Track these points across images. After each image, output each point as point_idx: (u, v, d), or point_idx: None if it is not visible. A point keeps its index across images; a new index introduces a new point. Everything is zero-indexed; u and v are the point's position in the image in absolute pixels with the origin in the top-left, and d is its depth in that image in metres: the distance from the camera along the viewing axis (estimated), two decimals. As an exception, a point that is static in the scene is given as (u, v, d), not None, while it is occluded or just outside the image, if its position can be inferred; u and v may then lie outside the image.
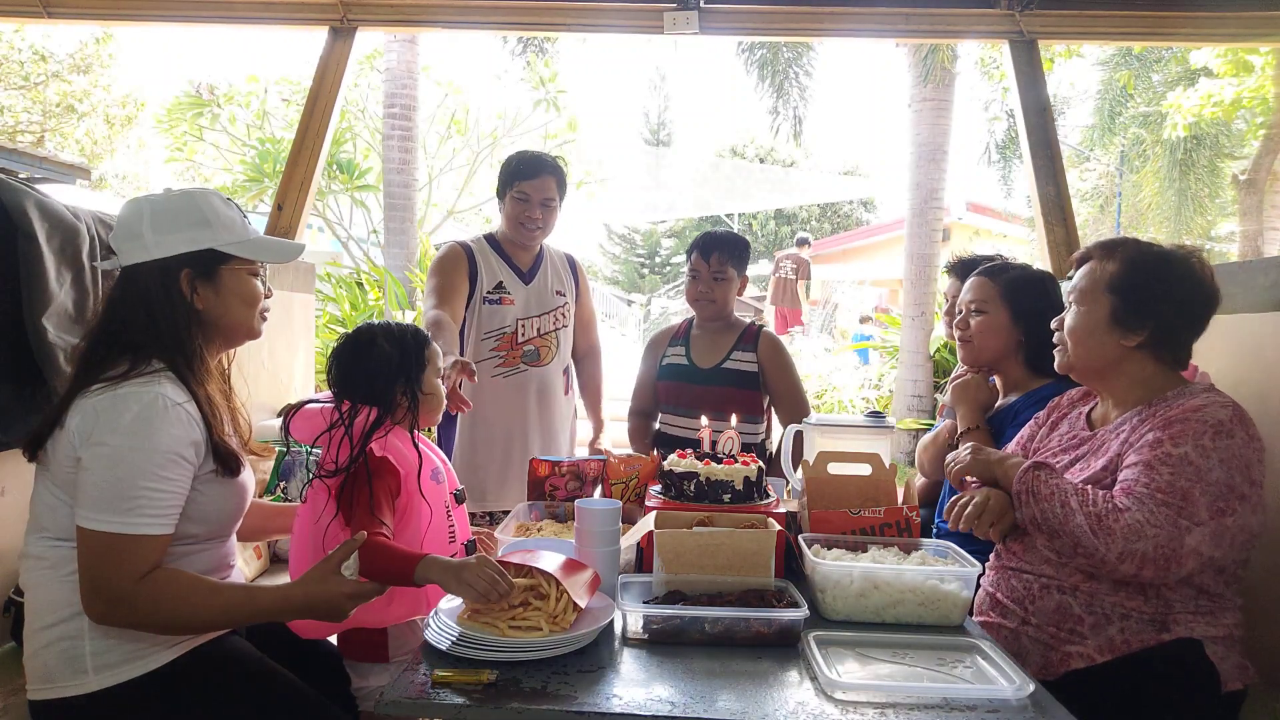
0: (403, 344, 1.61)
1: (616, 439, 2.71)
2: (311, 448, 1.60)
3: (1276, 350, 1.89)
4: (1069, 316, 1.61)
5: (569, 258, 2.74)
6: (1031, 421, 1.81)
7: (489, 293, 2.52)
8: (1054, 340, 1.66)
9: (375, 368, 1.57)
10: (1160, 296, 1.51)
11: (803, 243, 11.86)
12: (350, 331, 1.64)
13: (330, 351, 1.64)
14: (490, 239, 2.62)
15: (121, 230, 1.44)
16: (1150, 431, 1.44)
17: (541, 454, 2.45)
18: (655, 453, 2.05)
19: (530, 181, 2.48)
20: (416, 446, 1.58)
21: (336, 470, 1.49)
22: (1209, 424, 1.40)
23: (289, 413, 1.58)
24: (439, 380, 1.69)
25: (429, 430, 1.89)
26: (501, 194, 2.54)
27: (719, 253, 2.49)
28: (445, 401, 1.72)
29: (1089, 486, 1.45)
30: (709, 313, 2.56)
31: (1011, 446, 1.81)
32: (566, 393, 2.69)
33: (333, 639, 1.68)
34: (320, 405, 1.58)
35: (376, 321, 1.65)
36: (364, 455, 1.49)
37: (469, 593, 1.28)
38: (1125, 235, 1.69)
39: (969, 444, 1.67)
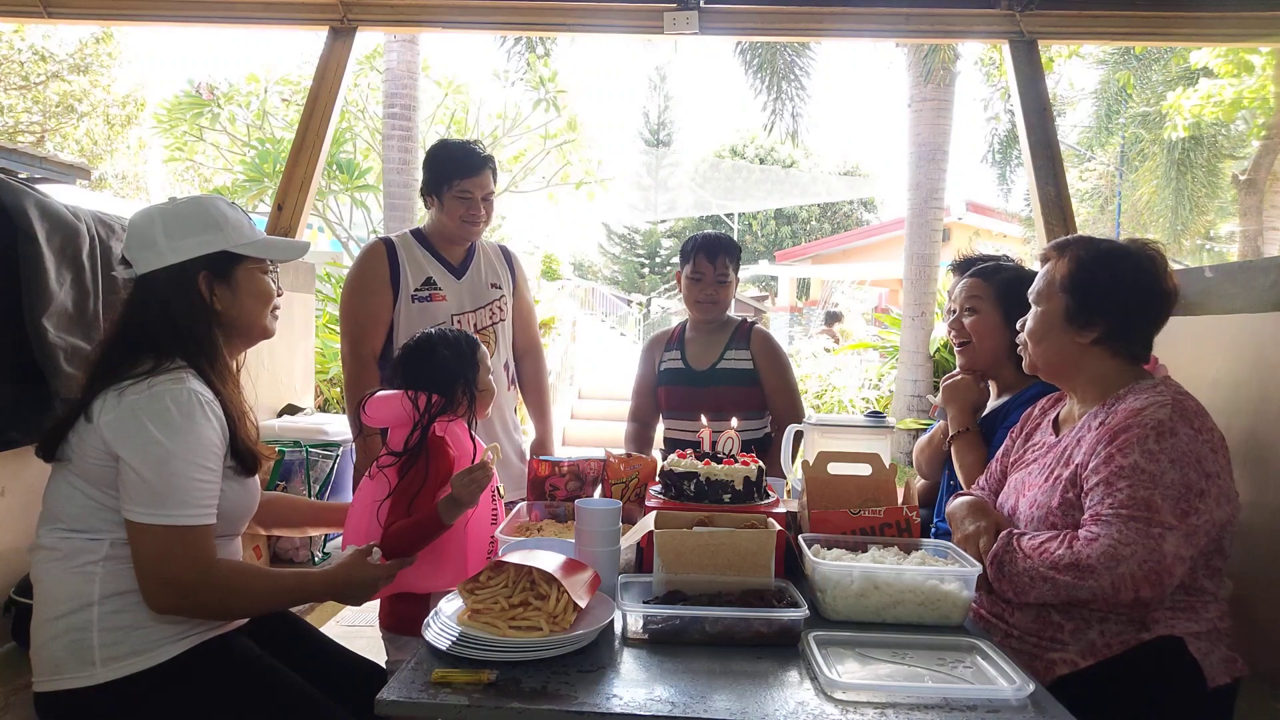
0: (459, 349, 1.76)
1: (606, 440, 2.70)
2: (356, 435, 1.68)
3: (1276, 350, 1.89)
4: (1029, 317, 1.63)
5: (504, 249, 2.66)
6: (1008, 436, 1.81)
7: (417, 290, 2.41)
8: (1017, 341, 1.67)
9: (437, 372, 1.71)
10: (1109, 292, 1.52)
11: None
12: (411, 343, 1.79)
13: (395, 360, 1.81)
14: (418, 234, 2.51)
15: (135, 239, 1.48)
16: (1100, 445, 1.44)
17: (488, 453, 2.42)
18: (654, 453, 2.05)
19: (473, 178, 2.39)
20: (473, 438, 1.75)
21: (405, 451, 1.63)
22: (1150, 427, 1.40)
23: (363, 400, 1.70)
24: (490, 377, 1.84)
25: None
26: (437, 190, 2.41)
27: (724, 254, 2.51)
28: (495, 394, 1.87)
29: (1044, 541, 1.44)
30: (712, 314, 2.57)
31: (993, 466, 1.82)
32: (510, 388, 2.60)
33: (367, 634, 1.74)
34: (391, 393, 1.71)
35: (434, 330, 1.81)
36: (427, 433, 1.64)
37: (471, 497, 1.54)
38: (1080, 234, 1.69)
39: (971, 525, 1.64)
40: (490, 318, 2.50)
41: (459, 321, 2.43)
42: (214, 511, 1.39)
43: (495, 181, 2.48)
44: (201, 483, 1.37)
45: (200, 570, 1.35)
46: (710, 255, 2.50)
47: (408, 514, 1.58)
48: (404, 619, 1.70)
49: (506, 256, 2.64)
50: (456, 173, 2.38)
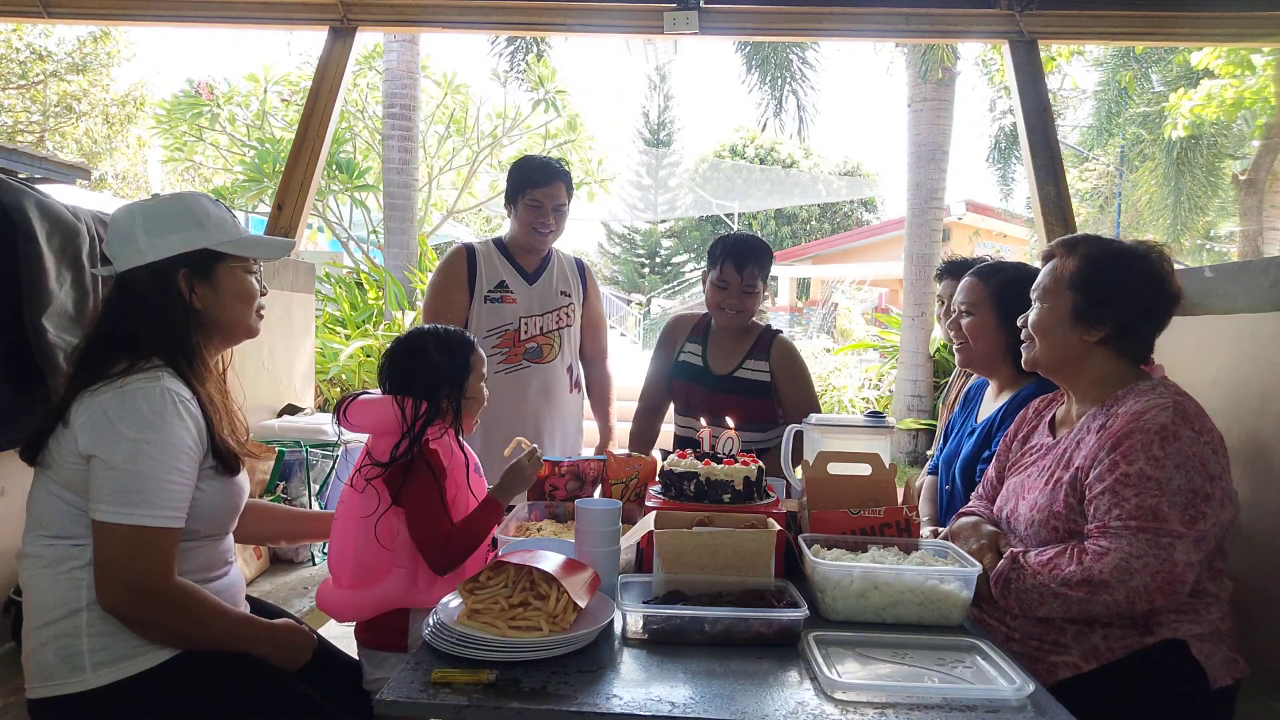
0: (450, 351, 1.67)
1: (622, 440, 2.71)
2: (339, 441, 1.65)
3: (1276, 350, 1.89)
4: (1032, 313, 1.63)
5: (578, 262, 2.83)
6: (1003, 440, 1.81)
7: (490, 291, 2.61)
8: (1021, 336, 1.67)
9: (424, 374, 1.64)
10: (1119, 292, 1.52)
11: None
12: (402, 337, 1.71)
13: (382, 355, 1.72)
14: (498, 242, 2.71)
15: (115, 236, 1.45)
16: (1103, 451, 1.44)
17: (553, 451, 2.45)
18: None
19: (543, 189, 2.56)
20: (461, 446, 1.68)
21: (392, 460, 1.54)
22: (1153, 432, 1.39)
23: (342, 403, 1.61)
24: (482, 384, 1.76)
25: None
26: (513, 200, 2.61)
27: (754, 264, 2.41)
28: (485, 403, 1.79)
29: (1052, 557, 1.44)
30: (735, 323, 2.49)
31: (989, 472, 1.82)
32: (572, 391, 2.74)
33: (343, 642, 1.70)
34: (375, 397, 1.63)
35: (426, 327, 1.73)
36: (421, 446, 1.56)
37: (527, 479, 1.65)
38: (1087, 232, 1.69)
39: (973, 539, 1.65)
40: (557, 322, 2.67)
41: (526, 323, 2.62)
42: (182, 517, 1.35)
43: (569, 196, 2.65)
44: (171, 484, 1.33)
45: (160, 575, 1.32)
46: (739, 264, 2.40)
47: (432, 527, 1.53)
48: (384, 632, 1.63)
49: (580, 269, 2.81)
50: (530, 182, 2.57)
